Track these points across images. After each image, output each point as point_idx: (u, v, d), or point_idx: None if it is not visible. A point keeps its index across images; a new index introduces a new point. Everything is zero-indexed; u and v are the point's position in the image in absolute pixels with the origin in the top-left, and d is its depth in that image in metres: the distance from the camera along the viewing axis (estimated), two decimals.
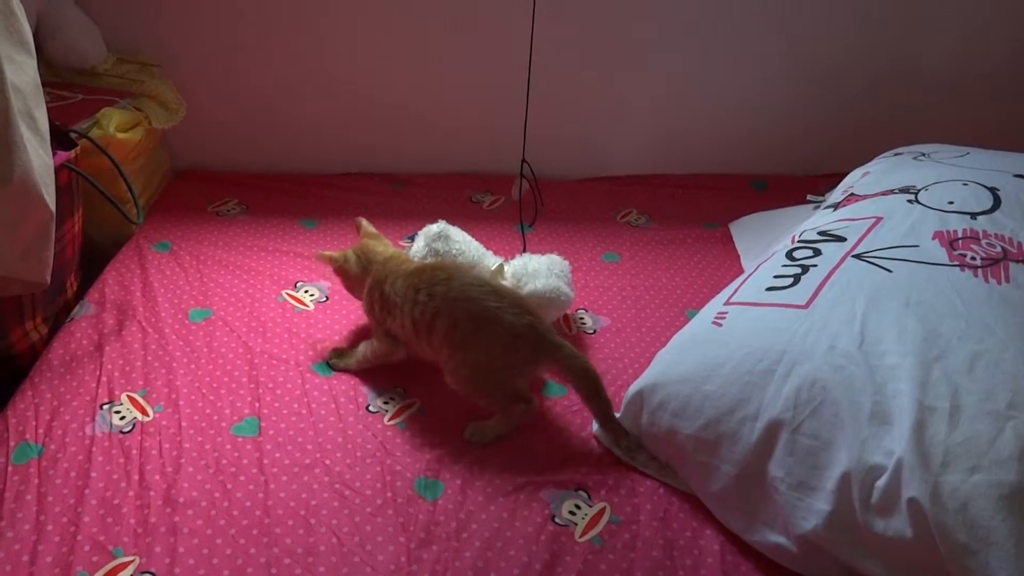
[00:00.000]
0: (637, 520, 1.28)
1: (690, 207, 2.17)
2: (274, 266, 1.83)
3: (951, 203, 1.48)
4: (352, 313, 1.67)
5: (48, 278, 1.42)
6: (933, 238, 1.39)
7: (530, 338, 1.38)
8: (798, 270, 1.41)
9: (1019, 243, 1.35)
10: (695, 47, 2.17)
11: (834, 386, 1.18)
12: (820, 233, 1.51)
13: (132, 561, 1.16)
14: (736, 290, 1.46)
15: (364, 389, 1.50)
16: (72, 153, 1.59)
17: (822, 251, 1.44)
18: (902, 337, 1.20)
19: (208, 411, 1.42)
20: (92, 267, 1.77)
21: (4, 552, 1.15)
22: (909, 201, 1.51)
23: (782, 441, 1.20)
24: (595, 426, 1.43)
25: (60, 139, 1.60)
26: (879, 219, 1.47)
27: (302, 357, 1.56)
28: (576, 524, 1.27)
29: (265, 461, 1.33)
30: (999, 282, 1.27)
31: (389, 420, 1.44)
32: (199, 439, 1.36)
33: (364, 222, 1.63)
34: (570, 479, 1.34)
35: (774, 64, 2.21)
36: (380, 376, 1.53)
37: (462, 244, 1.68)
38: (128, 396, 1.44)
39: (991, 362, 1.14)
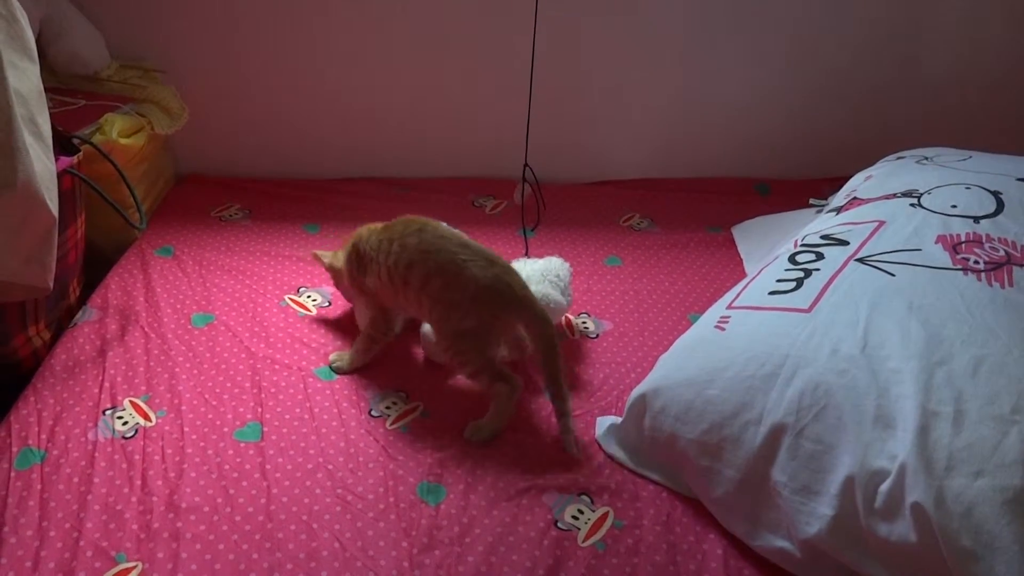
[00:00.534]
0: (640, 525, 1.28)
1: (693, 211, 2.17)
2: (277, 271, 1.83)
3: (954, 207, 1.47)
4: (355, 317, 1.67)
5: (51, 283, 1.42)
6: (936, 242, 1.38)
7: (496, 289, 1.39)
8: (801, 274, 1.40)
9: (1022, 247, 1.35)
10: (697, 51, 2.18)
11: (837, 390, 1.18)
12: (823, 237, 1.50)
13: (135, 567, 1.16)
14: (739, 294, 1.46)
15: (366, 394, 1.50)
16: (75, 159, 1.60)
17: (825, 255, 1.44)
18: (905, 341, 1.19)
19: (211, 416, 1.42)
20: (95, 272, 1.78)
21: (7, 558, 1.15)
22: (912, 205, 1.51)
23: (785, 445, 1.20)
24: (598, 429, 1.43)
25: (63, 145, 1.60)
26: (882, 223, 1.47)
27: (304, 362, 1.56)
28: (579, 529, 1.27)
29: (268, 466, 1.33)
30: (1002, 286, 1.26)
31: (391, 425, 1.44)
32: (202, 444, 1.36)
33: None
34: (573, 484, 1.34)
35: (776, 68, 2.22)
36: (382, 380, 1.53)
37: None
38: (131, 401, 1.44)
39: (995, 366, 1.14)
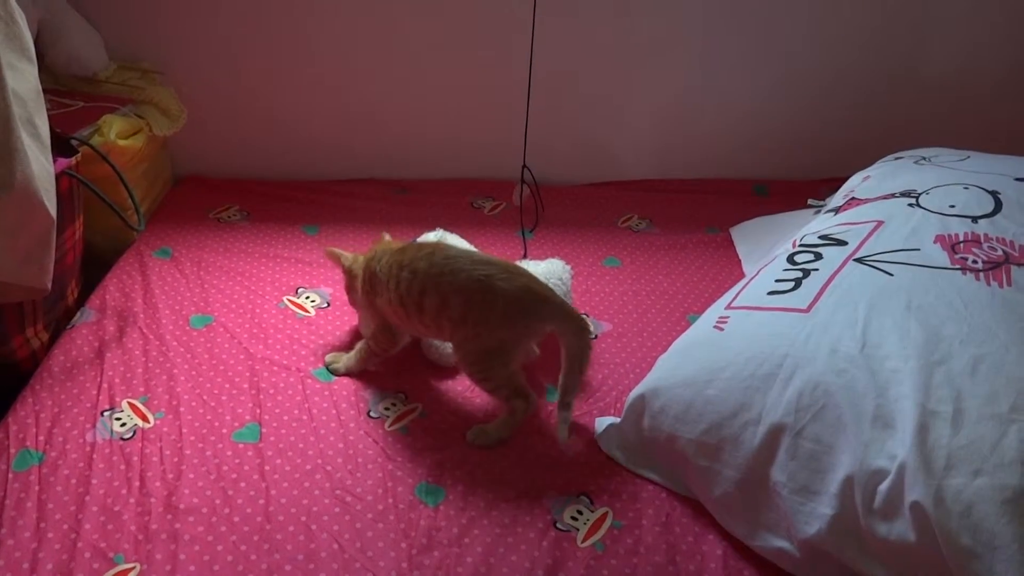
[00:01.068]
0: (639, 525, 1.28)
1: (691, 212, 2.17)
2: (275, 272, 1.83)
3: (952, 207, 1.47)
4: (354, 319, 1.67)
5: (49, 285, 1.42)
6: (934, 242, 1.38)
7: (527, 299, 1.37)
8: (799, 274, 1.40)
9: (1020, 246, 1.35)
10: (696, 52, 2.18)
11: (836, 390, 1.18)
12: (821, 237, 1.50)
13: (133, 568, 1.15)
14: (737, 294, 1.46)
15: (365, 395, 1.50)
16: (73, 160, 1.60)
17: (823, 255, 1.44)
18: (904, 341, 1.20)
19: (209, 417, 1.42)
20: (93, 274, 1.77)
21: (5, 559, 1.15)
22: (910, 205, 1.51)
23: (784, 445, 1.20)
24: (597, 429, 1.43)
25: (61, 146, 1.60)
26: (880, 223, 1.47)
27: (303, 363, 1.56)
28: (578, 529, 1.26)
29: (266, 467, 1.33)
30: (1001, 285, 1.26)
31: (390, 426, 1.44)
32: (200, 445, 1.36)
33: (387, 236, 1.62)
34: (572, 484, 1.34)
35: (775, 69, 2.22)
36: (381, 382, 1.53)
37: None
38: (129, 403, 1.44)
39: (993, 365, 1.14)
